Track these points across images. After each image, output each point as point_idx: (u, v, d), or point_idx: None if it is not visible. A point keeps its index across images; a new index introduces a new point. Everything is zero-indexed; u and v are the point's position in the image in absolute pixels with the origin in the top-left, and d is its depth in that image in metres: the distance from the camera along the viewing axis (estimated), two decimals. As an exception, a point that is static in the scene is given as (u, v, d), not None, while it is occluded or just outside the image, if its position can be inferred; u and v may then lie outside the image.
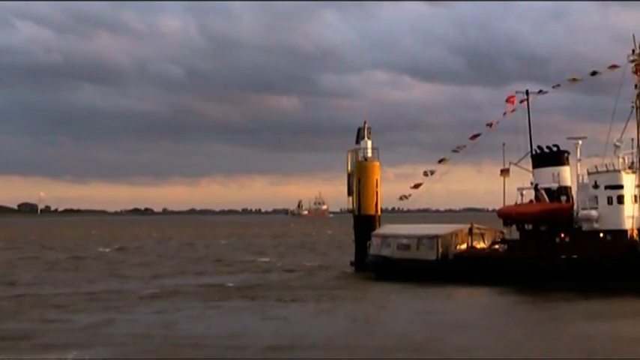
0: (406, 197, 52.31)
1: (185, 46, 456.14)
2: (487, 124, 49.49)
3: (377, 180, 54.32)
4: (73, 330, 29.54)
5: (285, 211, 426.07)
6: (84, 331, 29.23)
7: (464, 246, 47.12)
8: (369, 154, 54.81)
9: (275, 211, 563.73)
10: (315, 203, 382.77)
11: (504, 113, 48.77)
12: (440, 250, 46.04)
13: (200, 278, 50.17)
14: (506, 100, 48.51)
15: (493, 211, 51.92)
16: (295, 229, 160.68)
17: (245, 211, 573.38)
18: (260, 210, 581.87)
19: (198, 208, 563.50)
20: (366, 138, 55.12)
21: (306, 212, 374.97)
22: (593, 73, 47.32)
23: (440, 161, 50.69)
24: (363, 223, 53.70)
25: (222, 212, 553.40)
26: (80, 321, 31.43)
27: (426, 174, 50.94)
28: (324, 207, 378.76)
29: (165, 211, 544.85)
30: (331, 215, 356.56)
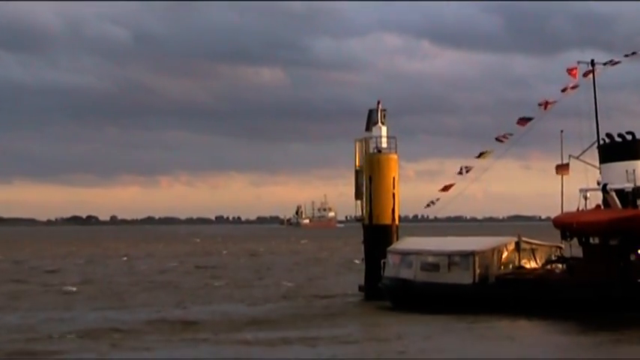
0: (433, 203, 52.32)
1: (131, 1, 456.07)
2: (539, 105, 49.51)
3: (394, 178, 54.36)
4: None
5: (280, 220, 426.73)
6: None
7: (509, 265, 47.14)
8: (384, 145, 54.84)
9: (260, 220, 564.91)
10: (318, 209, 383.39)
11: (563, 90, 48.79)
12: (477, 271, 46.07)
13: (172, 311, 50.31)
14: (568, 73, 48.37)
15: (547, 219, 52.00)
16: (299, 245, 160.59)
17: (220, 220, 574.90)
18: (240, 218, 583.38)
19: (157, 216, 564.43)
20: (379, 123, 55.13)
21: (306, 221, 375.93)
22: (677, 37, 47.45)
23: (480, 155, 50.57)
24: (376, 235, 53.75)
25: (190, 221, 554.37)
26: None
27: (460, 172, 50.90)
28: (331, 214, 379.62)
29: (114, 220, 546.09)
30: (340, 225, 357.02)
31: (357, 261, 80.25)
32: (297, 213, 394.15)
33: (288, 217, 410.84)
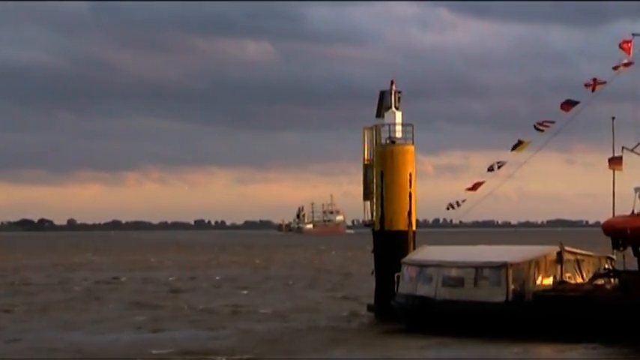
0: (458, 204, 52.28)
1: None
2: (586, 86, 49.46)
3: (411, 175, 54.40)
4: None
5: (277, 226, 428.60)
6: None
7: (549, 280, 47.16)
8: (399, 134, 54.86)
9: (248, 224, 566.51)
10: (324, 212, 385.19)
11: (615, 67, 48.71)
12: (511, 286, 46.07)
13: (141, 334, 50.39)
14: (621, 47, 48.31)
15: (596, 224, 51.95)
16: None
17: (200, 224, 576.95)
18: (224, 223, 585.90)
19: (124, 220, 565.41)
20: (393, 108, 55.15)
21: (310, 226, 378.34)
22: None
23: (515, 147, 50.45)
24: (389, 243, 53.83)
25: (164, 226, 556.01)
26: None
27: (491, 169, 50.86)
28: (339, 218, 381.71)
29: (71, 224, 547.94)
30: (350, 231, 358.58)
31: (365, 275, 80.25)
32: (298, 217, 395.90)
33: (287, 221, 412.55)
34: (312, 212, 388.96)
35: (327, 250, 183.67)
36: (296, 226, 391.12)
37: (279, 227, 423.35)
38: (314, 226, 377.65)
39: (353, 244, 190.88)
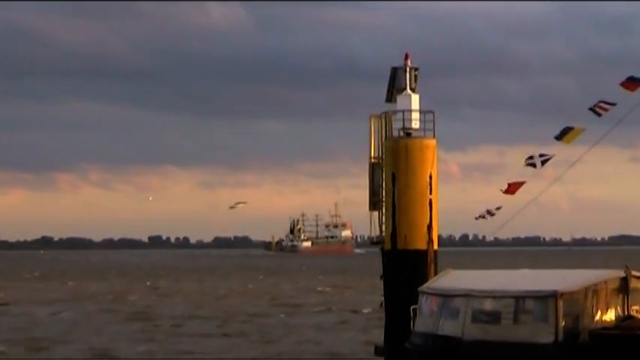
0: (491, 214, 52.32)
1: None
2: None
3: (431, 177, 54.53)
4: None
5: (266, 244, 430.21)
6: None
7: (611, 314, 47.29)
8: (416, 124, 55.02)
9: (218, 242, 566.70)
10: (326, 226, 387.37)
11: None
12: (562, 322, 46.23)
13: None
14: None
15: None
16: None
17: (156, 242, 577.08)
18: (187, 240, 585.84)
19: (57, 237, 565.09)
20: (408, 90, 55.30)
21: (307, 244, 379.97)
22: None
23: (562, 135, 50.34)
24: (403, 266, 54.09)
25: (109, 244, 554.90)
26: None
27: (531, 162, 50.68)
28: (346, 234, 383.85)
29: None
30: (360, 251, 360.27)
31: (366, 310, 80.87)
32: (292, 231, 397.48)
33: (277, 238, 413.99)
34: (304, 225, 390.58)
35: (330, 274, 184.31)
36: (289, 243, 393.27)
37: (268, 245, 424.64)
38: (313, 243, 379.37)
39: (366, 268, 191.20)
